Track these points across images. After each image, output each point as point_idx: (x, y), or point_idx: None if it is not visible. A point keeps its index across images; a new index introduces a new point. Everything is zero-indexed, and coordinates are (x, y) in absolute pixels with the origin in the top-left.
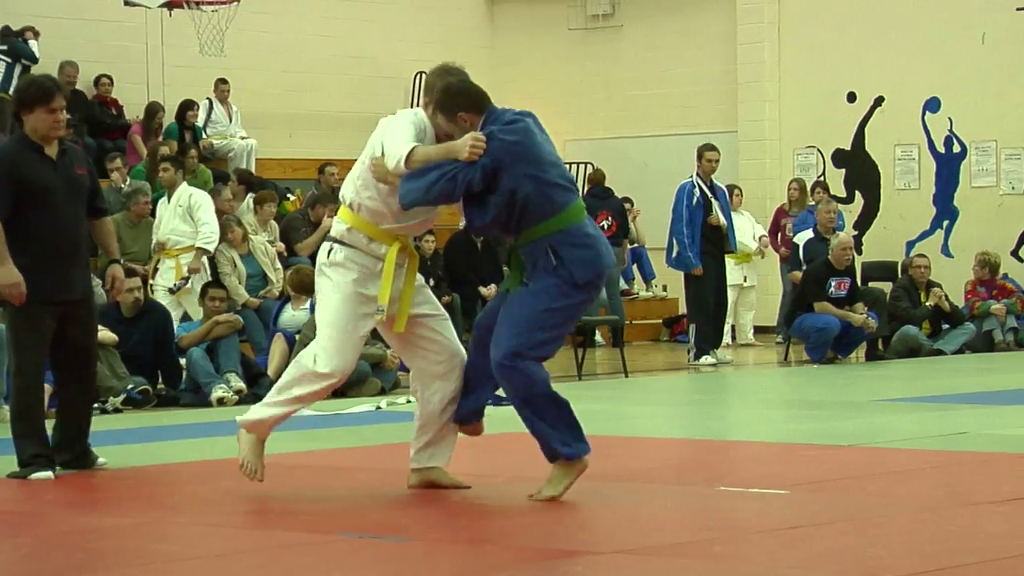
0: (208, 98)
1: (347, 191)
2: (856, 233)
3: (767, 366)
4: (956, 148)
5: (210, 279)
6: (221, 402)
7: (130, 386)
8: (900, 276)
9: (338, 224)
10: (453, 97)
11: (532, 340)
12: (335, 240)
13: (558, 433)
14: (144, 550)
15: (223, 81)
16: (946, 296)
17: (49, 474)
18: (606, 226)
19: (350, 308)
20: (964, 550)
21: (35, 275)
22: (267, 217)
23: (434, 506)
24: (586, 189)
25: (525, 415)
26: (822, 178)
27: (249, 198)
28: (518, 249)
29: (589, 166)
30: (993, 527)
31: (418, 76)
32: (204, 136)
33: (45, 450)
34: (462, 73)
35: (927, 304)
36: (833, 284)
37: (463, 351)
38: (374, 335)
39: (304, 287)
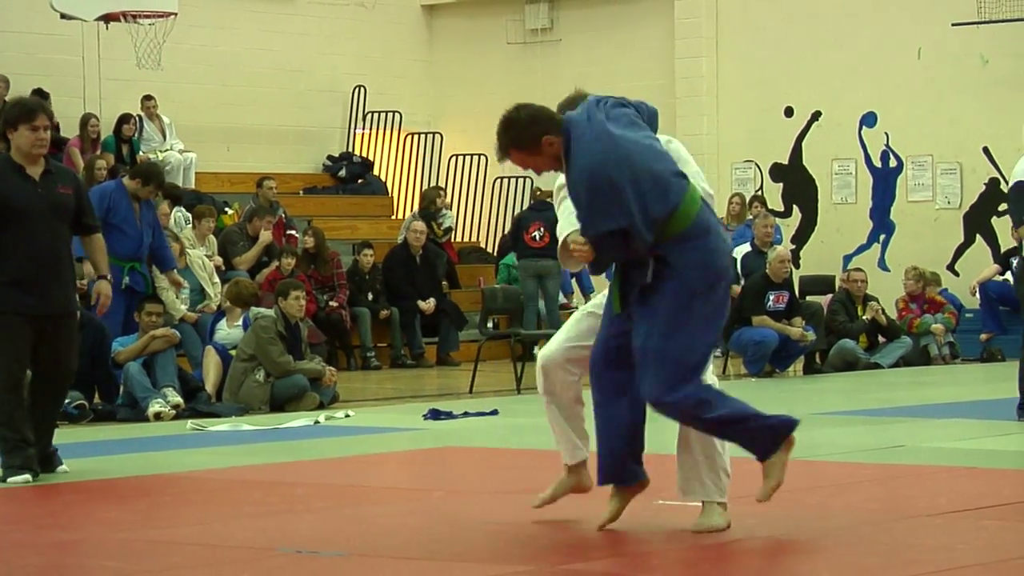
0: (138, 114)
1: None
2: (793, 247)
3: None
4: (892, 163)
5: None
6: (158, 417)
7: (66, 401)
8: (837, 290)
9: None
10: (524, 131)
11: (681, 368)
12: None
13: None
14: (83, 566)
15: (148, 97)
16: (883, 310)
17: (27, 477)
18: (538, 237)
19: None
20: (902, 563)
21: (11, 289)
22: (205, 231)
23: (371, 521)
24: (530, 203)
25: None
26: (759, 192)
27: (176, 211)
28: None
29: (528, 180)
30: (930, 540)
31: (356, 89)
32: (140, 152)
33: (25, 456)
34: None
35: (864, 318)
36: (771, 297)
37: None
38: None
39: (242, 299)
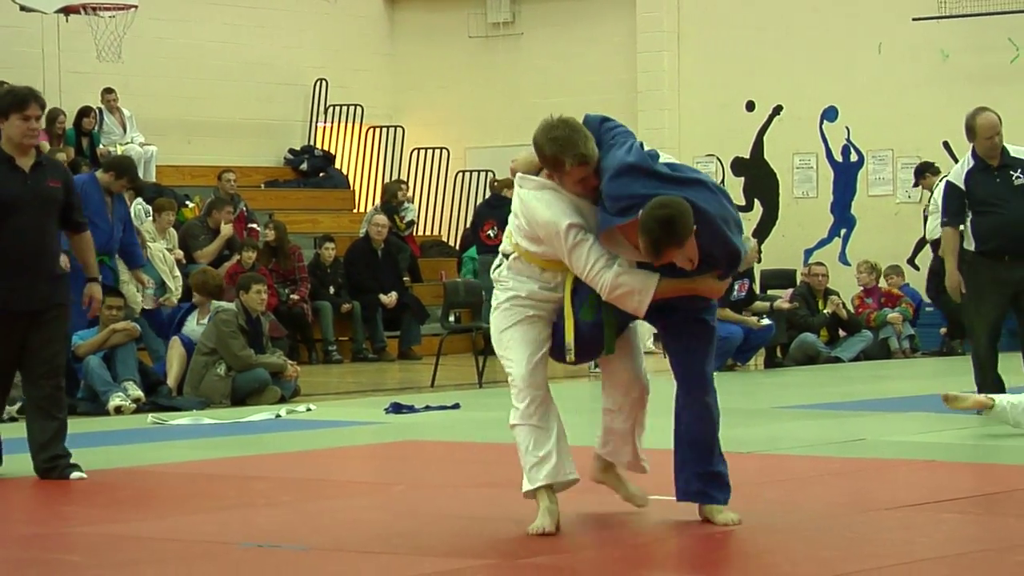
0: (99, 107)
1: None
2: (755, 241)
3: (667, 374)
4: (853, 157)
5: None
6: (119, 410)
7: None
8: (798, 284)
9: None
10: (687, 225)
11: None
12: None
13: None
14: (45, 560)
15: (109, 91)
16: (843, 304)
17: None
18: (492, 235)
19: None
20: (863, 556)
21: None
22: (165, 225)
23: (333, 515)
24: (486, 199)
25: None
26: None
27: (136, 204)
28: None
29: (490, 174)
30: (891, 533)
31: (318, 82)
32: (101, 145)
33: None
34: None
35: (825, 312)
36: (736, 286)
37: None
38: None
39: (207, 289)
